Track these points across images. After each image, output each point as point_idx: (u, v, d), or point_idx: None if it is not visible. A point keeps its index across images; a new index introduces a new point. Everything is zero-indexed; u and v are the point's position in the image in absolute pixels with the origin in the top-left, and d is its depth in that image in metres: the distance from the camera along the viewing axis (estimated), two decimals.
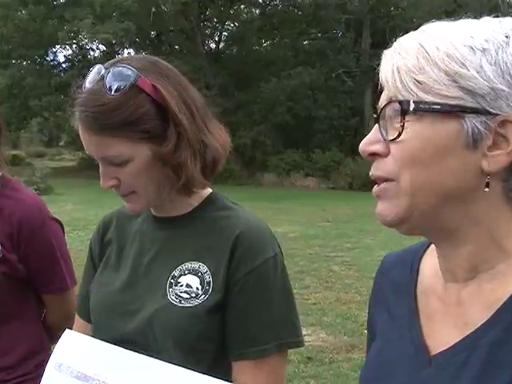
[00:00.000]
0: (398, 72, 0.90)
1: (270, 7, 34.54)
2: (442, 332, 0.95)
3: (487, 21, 0.92)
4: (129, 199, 1.47)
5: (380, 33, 31.32)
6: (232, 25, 36.59)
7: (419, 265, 1.07)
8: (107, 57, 31.47)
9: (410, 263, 1.09)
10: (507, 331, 0.86)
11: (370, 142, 0.93)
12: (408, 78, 0.89)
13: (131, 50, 34.10)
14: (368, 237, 12.29)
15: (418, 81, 0.88)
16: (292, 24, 33.35)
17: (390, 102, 0.91)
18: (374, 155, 0.93)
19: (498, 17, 0.94)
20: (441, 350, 0.94)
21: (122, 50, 34.31)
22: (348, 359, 5.54)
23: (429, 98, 0.87)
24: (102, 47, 33.65)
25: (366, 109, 31.06)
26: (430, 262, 1.04)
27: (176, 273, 1.46)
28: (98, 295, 1.57)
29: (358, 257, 10.35)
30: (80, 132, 1.41)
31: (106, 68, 1.40)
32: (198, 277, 1.44)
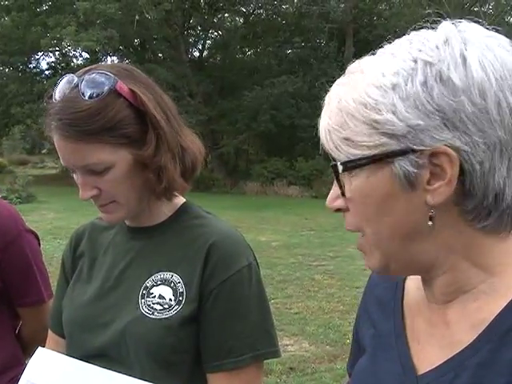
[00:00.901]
0: (329, 133, 0.91)
1: (253, 16, 34.61)
2: (429, 351, 0.95)
3: (402, 44, 0.90)
4: (108, 209, 1.44)
5: (363, 42, 31.48)
6: (216, 33, 36.59)
7: (404, 281, 1.07)
8: (91, 64, 31.34)
9: (394, 279, 1.08)
10: (494, 352, 0.85)
11: (332, 199, 0.95)
12: (336, 137, 0.89)
13: (114, 58, 34.00)
14: (350, 246, 12.28)
15: (344, 138, 0.88)
16: (275, 33, 33.43)
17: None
18: (339, 210, 0.95)
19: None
20: (428, 369, 0.93)
21: (106, 58, 34.19)
22: (330, 369, 5.53)
23: (356, 153, 0.87)
24: (86, 55, 33.50)
25: None
26: (414, 279, 1.04)
27: (148, 283, 1.44)
28: (70, 310, 1.54)
29: (340, 266, 10.36)
30: (57, 143, 1.38)
31: (78, 76, 1.38)
32: (171, 287, 1.42)
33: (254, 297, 1.44)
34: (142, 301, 1.43)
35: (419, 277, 1.00)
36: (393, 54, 0.88)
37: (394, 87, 0.84)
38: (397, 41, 0.91)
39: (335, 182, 0.94)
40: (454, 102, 0.81)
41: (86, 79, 1.36)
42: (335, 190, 0.94)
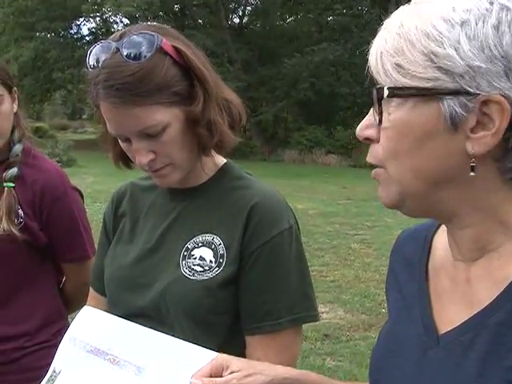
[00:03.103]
0: (381, 56, 0.87)
1: None
2: (451, 311, 0.94)
3: None
4: (163, 173, 1.42)
5: None
6: None
7: (431, 241, 1.06)
8: None
9: (422, 239, 1.07)
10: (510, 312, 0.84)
11: (364, 127, 0.92)
12: (388, 61, 0.86)
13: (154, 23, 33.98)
14: (388, 215, 12.23)
15: (396, 64, 0.85)
16: None
17: (372, 88, 0.88)
18: (368, 140, 0.92)
19: None
20: (448, 329, 0.93)
21: (146, 23, 34.21)
22: (365, 338, 5.54)
23: (406, 82, 0.84)
24: (126, 20, 33.54)
25: None
26: (442, 239, 1.02)
27: (189, 245, 1.45)
28: (112, 269, 1.56)
29: (377, 235, 10.31)
30: (108, 111, 1.35)
31: (115, 41, 1.35)
32: (212, 249, 1.42)
33: (295, 260, 1.43)
34: (183, 262, 1.43)
35: (445, 236, 0.99)
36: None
37: (463, 24, 0.81)
38: None
39: (373, 109, 0.90)
40: None
41: (128, 41, 1.33)
42: (369, 118, 0.91)
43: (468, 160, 0.83)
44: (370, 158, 0.92)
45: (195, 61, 1.38)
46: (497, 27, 0.80)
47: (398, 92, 0.85)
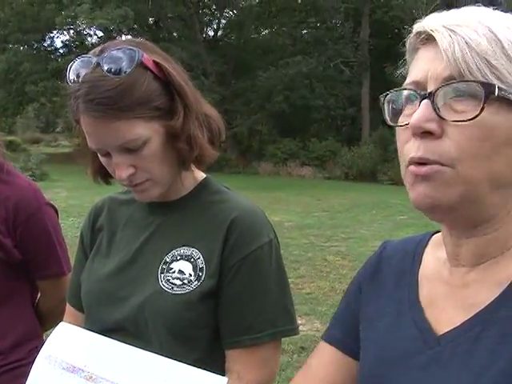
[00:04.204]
0: (470, 51, 0.85)
1: None
2: (448, 314, 0.96)
3: None
4: (143, 187, 1.42)
5: (379, 22, 31.23)
6: (231, 12, 36.45)
7: (422, 254, 1.08)
8: (104, 43, 31.32)
9: (412, 252, 1.09)
10: None
11: (425, 119, 0.87)
12: (481, 59, 0.85)
13: (129, 37, 33.92)
14: (362, 227, 12.31)
15: (491, 65, 0.85)
16: (291, 12, 33.23)
17: (458, 81, 0.86)
18: (426, 133, 0.88)
19: (496, 7, 0.92)
20: (448, 329, 0.94)
21: (120, 36, 34.15)
22: None
23: (501, 86, 0.85)
24: (100, 33, 33.48)
25: (363, 99, 31.01)
26: (432, 252, 1.06)
27: (168, 258, 1.44)
28: (89, 283, 1.54)
29: (352, 247, 10.34)
30: (89, 125, 1.34)
31: (96, 55, 1.35)
32: (191, 263, 1.41)
33: (274, 273, 1.43)
34: (162, 275, 1.43)
35: (438, 252, 1.03)
36: None
37: None
38: None
39: (426, 103, 0.88)
40: None
41: (109, 56, 1.33)
42: (427, 111, 0.87)
43: None
44: (430, 154, 0.87)
45: (175, 76, 1.39)
46: None
47: (502, 93, 0.85)
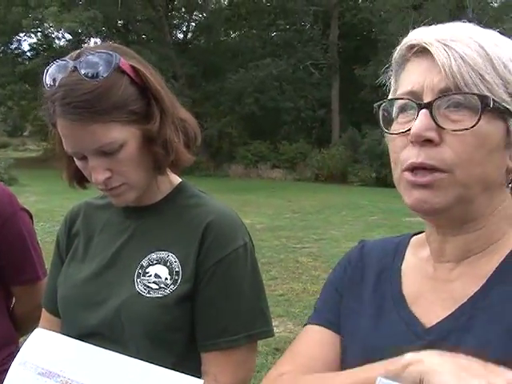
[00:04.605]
0: (465, 65, 0.93)
1: None
2: (435, 307, 1.01)
3: (507, 39, 1.00)
4: (119, 191, 1.42)
5: (348, 25, 31.47)
6: (200, 15, 36.42)
7: (404, 253, 1.14)
8: (73, 46, 31.04)
9: (392, 251, 1.16)
10: (500, 296, 0.94)
11: (425, 128, 0.94)
12: (475, 73, 0.93)
13: (98, 39, 33.71)
14: (334, 228, 12.37)
15: (484, 78, 0.93)
16: (260, 15, 33.36)
17: (454, 93, 0.93)
18: (425, 141, 0.94)
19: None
20: (437, 321, 0.99)
21: (89, 39, 33.90)
22: None
23: (493, 98, 0.93)
24: (68, 36, 33.21)
25: (333, 101, 31.19)
26: (414, 251, 1.13)
27: (144, 263, 1.44)
28: (65, 288, 1.54)
29: (324, 248, 10.38)
30: (65, 128, 1.34)
31: (72, 60, 1.35)
32: (167, 267, 1.42)
33: (249, 276, 1.44)
34: (138, 280, 1.43)
35: (420, 251, 1.10)
36: (504, 40, 0.99)
37: None
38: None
39: (425, 113, 0.94)
40: None
41: (86, 60, 1.34)
42: (427, 121, 0.94)
43: (505, 174, 0.98)
44: (430, 161, 0.94)
45: (152, 80, 1.40)
46: None
47: (495, 105, 0.93)
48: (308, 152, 28.30)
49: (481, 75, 0.93)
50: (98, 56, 1.35)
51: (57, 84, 1.33)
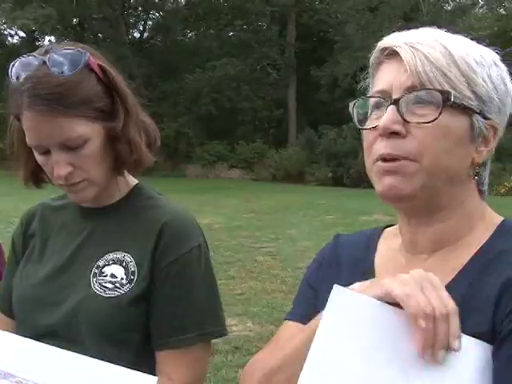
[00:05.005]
0: (429, 64, 1.01)
1: None
2: None
3: (476, 44, 1.09)
4: (79, 188, 1.43)
5: (305, 26, 31.64)
6: (157, 14, 36.21)
7: (376, 244, 1.21)
8: (27, 44, 30.58)
9: (364, 243, 1.23)
10: (471, 286, 1.02)
11: (392, 121, 1.02)
12: (438, 72, 1.01)
13: (52, 38, 33.25)
14: (291, 228, 12.44)
15: (446, 76, 1.01)
16: (217, 15, 33.32)
17: (419, 90, 1.02)
18: (393, 134, 1.02)
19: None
20: None
21: (43, 37, 33.43)
22: None
23: (455, 94, 1.01)
24: (22, 33, 32.67)
25: (289, 101, 31.35)
26: (386, 243, 1.20)
27: (100, 263, 1.45)
28: (20, 289, 1.53)
29: (282, 247, 10.44)
30: (31, 120, 1.35)
31: (40, 55, 1.36)
32: (123, 267, 1.43)
33: (203, 277, 1.46)
34: (94, 280, 1.44)
35: (392, 243, 1.17)
36: (474, 45, 1.07)
37: (482, 66, 1.04)
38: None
39: (394, 107, 1.02)
40: (505, 99, 1.06)
41: (55, 56, 1.35)
42: (394, 116, 1.02)
43: (471, 166, 1.06)
44: (397, 151, 1.03)
45: (118, 81, 1.42)
46: (497, 76, 1.06)
47: (457, 100, 1.01)
48: (265, 152, 28.41)
49: (444, 73, 1.01)
50: (67, 52, 1.36)
51: (24, 77, 1.33)
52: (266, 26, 33.81)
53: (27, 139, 1.38)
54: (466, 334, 0.96)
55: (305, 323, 1.18)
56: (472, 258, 1.05)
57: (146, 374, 1.22)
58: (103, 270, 1.44)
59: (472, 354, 0.96)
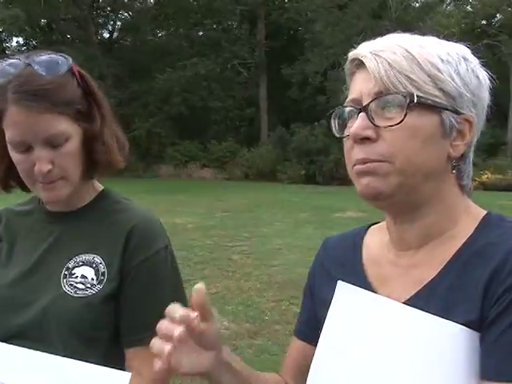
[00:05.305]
0: (392, 70, 1.06)
1: None
2: (399, 290, 1.13)
3: (442, 41, 1.13)
4: (56, 186, 1.47)
5: (275, 24, 31.70)
6: (126, 14, 36.00)
7: (362, 243, 1.27)
8: None
9: (351, 243, 1.29)
10: (459, 277, 1.07)
11: (362, 128, 1.07)
12: (402, 75, 1.06)
13: (20, 39, 32.90)
14: (265, 226, 12.48)
15: (410, 78, 1.06)
16: (187, 14, 33.22)
17: (384, 95, 1.07)
18: (364, 139, 1.08)
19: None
20: (402, 301, 1.11)
21: (11, 38, 33.06)
22: (251, 345, 5.63)
23: (419, 94, 1.05)
24: None
25: (261, 99, 31.39)
26: (373, 240, 1.26)
27: (70, 264, 1.50)
28: None
29: (255, 246, 10.48)
30: (17, 115, 1.40)
31: (25, 58, 1.43)
32: (93, 268, 1.49)
33: (170, 275, 1.54)
34: (64, 280, 1.48)
35: (378, 239, 1.24)
36: (439, 43, 1.11)
37: (449, 63, 1.08)
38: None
39: (364, 113, 1.08)
40: (479, 92, 1.11)
41: (40, 59, 1.42)
42: (364, 121, 1.08)
43: (448, 161, 1.10)
44: (369, 155, 1.08)
45: (95, 87, 1.51)
46: (467, 71, 1.09)
47: (421, 100, 1.05)
48: (237, 151, 28.42)
49: (407, 76, 1.05)
50: (51, 56, 1.44)
51: (10, 75, 1.40)
52: (236, 25, 33.78)
53: (9, 136, 1.42)
54: (456, 322, 1.02)
55: (300, 339, 1.34)
56: (459, 250, 1.10)
57: (119, 371, 1.29)
58: (73, 272, 1.49)
59: (460, 341, 1.01)
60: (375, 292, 1.17)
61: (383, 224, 1.24)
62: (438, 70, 1.06)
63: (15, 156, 1.45)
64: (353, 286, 1.15)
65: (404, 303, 1.10)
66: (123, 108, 28.12)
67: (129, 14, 35.59)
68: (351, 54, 1.13)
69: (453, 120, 1.07)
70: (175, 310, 1.04)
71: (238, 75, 31.29)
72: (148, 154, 29.92)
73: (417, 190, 1.09)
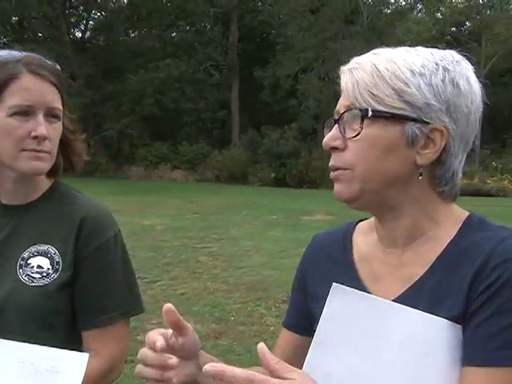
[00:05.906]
0: (357, 86, 1.16)
1: None
2: (389, 287, 1.21)
3: (421, 51, 1.20)
4: (43, 155, 1.58)
5: (248, 27, 31.75)
6: (99, 13, 35.76)
7: (351, 240, 1.35)
8: None
9: (341, 240, 1.36)
10: (445, 276, 1.15)
11: (332, 138, 1.19)
12: (365, 91, 1.15)
13: None
14: (234, 228, 12.52)
15: (372, 94, 1.14)
16: (160, 15, 33.11)
17: (350, 109, 1.17)
18: (334, 149, 1.19)
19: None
20: (393, 298, 1.19)
21: None
22: (216, 345, 5.68)
23: (381, 108, 1.14)
24: None
25: (232, 102, 31.42)
26: (362, 237, 1.34)
27: (25, 255, 1.59)
28: None
29: (224, 247, 10.53)
30: (31, 81, 1.55)
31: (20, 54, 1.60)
32: (48, 258, 1.59)
33: (121, 261, 1.66)
34: (21, 271, 1.57)
35: (367, 236, 1.31)
36: (418, 54, 1.18)
37: (421, 75, 1.14)
38: (417, 48, 1.22)
39: (337, 125, 1.18)
40: (457, 100, 1.15)
41: (34, 54, 1.62)
42: (335, 132, 1.19)
43: (415, 168, 1.17)
44: (336, 163, 1.20)
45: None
46: (443, 81, 1.15)
47: (376, 114, 1.14)
48: (208, 153, 28.41)
49: (370, 92, 1.14)
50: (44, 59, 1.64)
51: (18, 56, 1.59)
52: (209, 27, 33.77)
53: (17, 101, 1.57)
54: (443, 318, 1.10)
55: (290, 331, 1.41)
56: (444, 250, 1.18)
57: (77, 352, 1.43)
58: (29, 262, 1.59)
59: (447, 335, 1.10)
60: (367, 290, 1.23)
61: (371, 221, 1.33)
62: (405, 84, 1.13)
63: (11, 123, 1.56)
64: (348, 288, 1.22)
65: (394, 300, 1.18)
66: (95, 108, 27.96)
67: (102, 14, 35.36)
68: (340, 69, 1.23)
69: (416, 130, 1.14)
70: (153, 338, 1.10)
71: (211, 77, 31.26)
72: (119, 154, 29.78)
73: (381, 194, 1.18)
